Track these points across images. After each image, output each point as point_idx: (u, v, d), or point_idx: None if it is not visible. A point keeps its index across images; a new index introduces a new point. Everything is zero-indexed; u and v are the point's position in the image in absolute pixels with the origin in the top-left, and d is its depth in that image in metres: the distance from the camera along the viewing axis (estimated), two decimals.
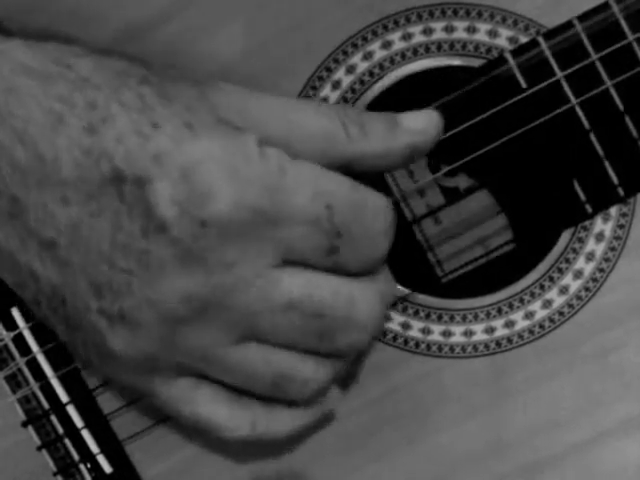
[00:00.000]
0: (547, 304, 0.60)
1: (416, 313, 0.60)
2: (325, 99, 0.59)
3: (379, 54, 0.58)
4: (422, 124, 0.55)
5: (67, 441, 0.63)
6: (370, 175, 0.55)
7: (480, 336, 0.60)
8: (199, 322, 0.52)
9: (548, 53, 0.56)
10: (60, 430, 0.63)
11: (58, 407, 0.63)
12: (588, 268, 0.59)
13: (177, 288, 0.50)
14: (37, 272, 0.52)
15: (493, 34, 0.57)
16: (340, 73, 0.58)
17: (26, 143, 0.50)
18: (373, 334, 0.55)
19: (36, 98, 0.50)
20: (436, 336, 0.61)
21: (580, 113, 0.57)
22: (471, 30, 0.57)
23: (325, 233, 0.51)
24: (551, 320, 0.60)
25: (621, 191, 0.58)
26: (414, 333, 0.61)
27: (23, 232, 0.52)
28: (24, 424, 0.63)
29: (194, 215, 0.49)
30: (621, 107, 0.57)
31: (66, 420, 0.63)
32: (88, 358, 0.55)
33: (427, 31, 0.58)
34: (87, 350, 0.54)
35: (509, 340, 0.60)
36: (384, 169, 0.56)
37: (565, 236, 0.59)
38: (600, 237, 0.59)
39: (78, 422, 0.63)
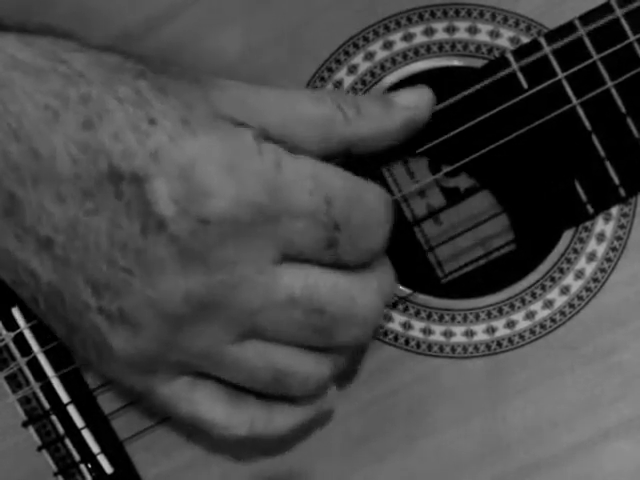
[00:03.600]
0: (548, 304, 0.60)
1: (417, 313, 0.60)
2: None
3: (380, 54, 0.58)
4: (415, 99, 0.56)
5: (68, 441, 0.63)
6: (370, 165, 0.56)
7: (481, 336, 0.60)
8: (200, 321, 0.51)
9: (549, 53, 0.56)
10: (61, 430, 0.63)
11: (59, 407, 0.63)
12: (589, 268, 0.59)
13: (177, 287, 0.50)
14: (35, 270, 0.52)
15: (494, 34, 0.57)
16: (342, 73, 0.58)
17: (21, 139, 0.50)
18: (373, 328, 0.55)
19: (29, 93, 0.50)
20: (437, 336, 0.60)
21: (581, 113, 0.57)
22: (472, 30, 0.57)
23: (324, 226, 0.51)
24: (552, 320, 0.60)
25: (622, 191, 0.58)
26: (415, 333, 0.61)
27: (19, 230, 0.51)
28: (24, 424, 0.63)
29: (193, 213, 0.49)
30: (622, 108, 0.57)
31: (67, 420, 0.63)
32: (87, 357, 0.55)
33: (428, 31, 0.58)
34: (86, 349, 0.54)
35: (510, 340, 0.60)
36: (383, 148, 0.56)
37: (566, 236, 0.59)
38: (601, 237, 0.59)
39: (79, 422, 0.63)
